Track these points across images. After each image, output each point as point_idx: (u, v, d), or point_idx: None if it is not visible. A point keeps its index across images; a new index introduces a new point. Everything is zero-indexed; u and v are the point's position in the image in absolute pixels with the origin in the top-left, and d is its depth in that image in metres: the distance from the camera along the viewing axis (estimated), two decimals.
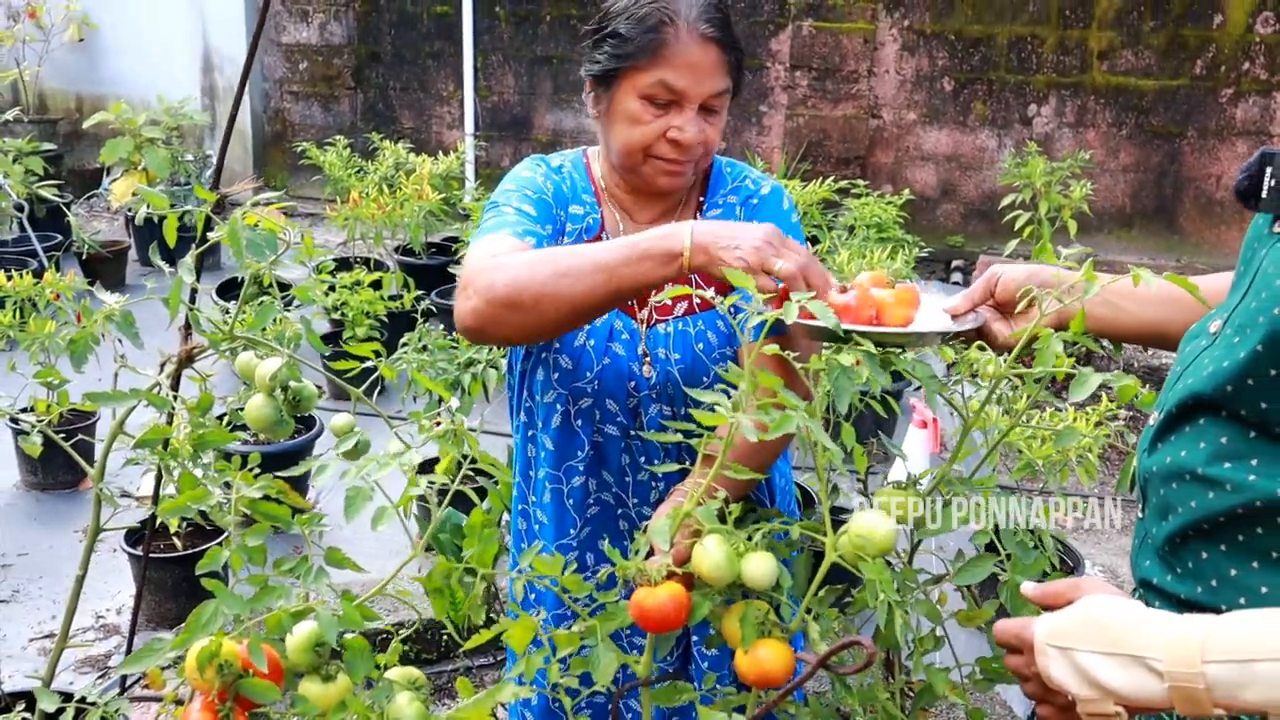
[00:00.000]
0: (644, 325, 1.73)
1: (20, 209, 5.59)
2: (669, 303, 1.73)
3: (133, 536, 3.32)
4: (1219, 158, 6.58)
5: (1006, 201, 5.08)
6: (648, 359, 1.71)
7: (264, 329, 1.74)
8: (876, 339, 1.36)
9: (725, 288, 1.71)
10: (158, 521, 2.31)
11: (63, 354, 3.78)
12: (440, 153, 6.36)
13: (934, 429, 4.13)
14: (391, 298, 4.54)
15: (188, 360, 1.86)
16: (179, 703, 1.40)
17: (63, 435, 4.03)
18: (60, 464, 4.06)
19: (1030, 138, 6.68)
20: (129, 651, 2.18)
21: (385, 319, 4.48)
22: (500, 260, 1.48)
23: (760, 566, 1.28)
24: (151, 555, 3.25)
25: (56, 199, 5.85)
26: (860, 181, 6.02)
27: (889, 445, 1.66)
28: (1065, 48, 6.65)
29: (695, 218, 1.74)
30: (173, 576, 3.24)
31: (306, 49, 7.80)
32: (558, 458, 1.77)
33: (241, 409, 1.86)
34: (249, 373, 1.89)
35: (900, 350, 1.42)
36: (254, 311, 1.73)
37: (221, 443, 1.74)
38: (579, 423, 1.75)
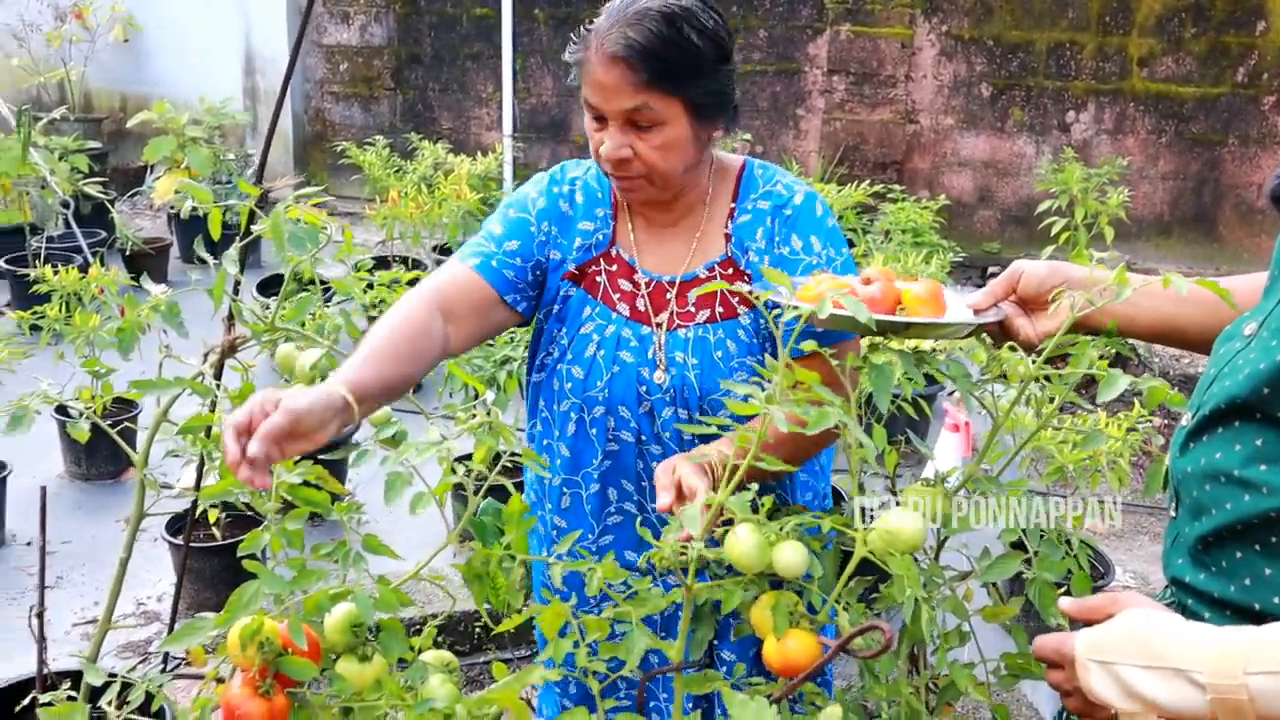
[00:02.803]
0: (662, 330, 1.76)
1: (66, 205, 5.70)
2: (692, 309, 1.75)
3: (173, 526, 3.38)
4: (1260, 166, 6.52)
5: (1043, 207, 5.07)
6: (662, 364, 1.74)
7: (304, 322, 1.78)
8: (902, 329, 1.39)
9: (746, 303, 1.74)
10: (199, 509, 2.36)
11: (108, 347, 3.87)
12: (479, 154, 6.41)
13: (966, 433, 4.13)
14: None
15: (230, 350, 1.91)
16: (219, 681, 1.44)
17: (107, 425, 4.11)
18: (103, 455, 4.14)
19: (1068, 144, 6.65)
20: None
21: None
22: (402, 300, 1.67)
23: (792, 555, 1.30)
24: (191, 544, 3.31)
25: (101, 196, 5.96)
26: (896, 186, 6.01)
27: (919, 444, 1.67)
28: (1105, 54, 6.62)
29: (727, 224, 1.77)
30: (212, 566, 3.30)
31: (347, 50, 7.89)
32: (573, 465, 1.81)
33: None
34: (288, 365, 1.93)
35: (925, 340, 1.44)
36: (294, 305, 1.77)
37: None
38: (594, 431, 1.79)
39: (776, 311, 1.37)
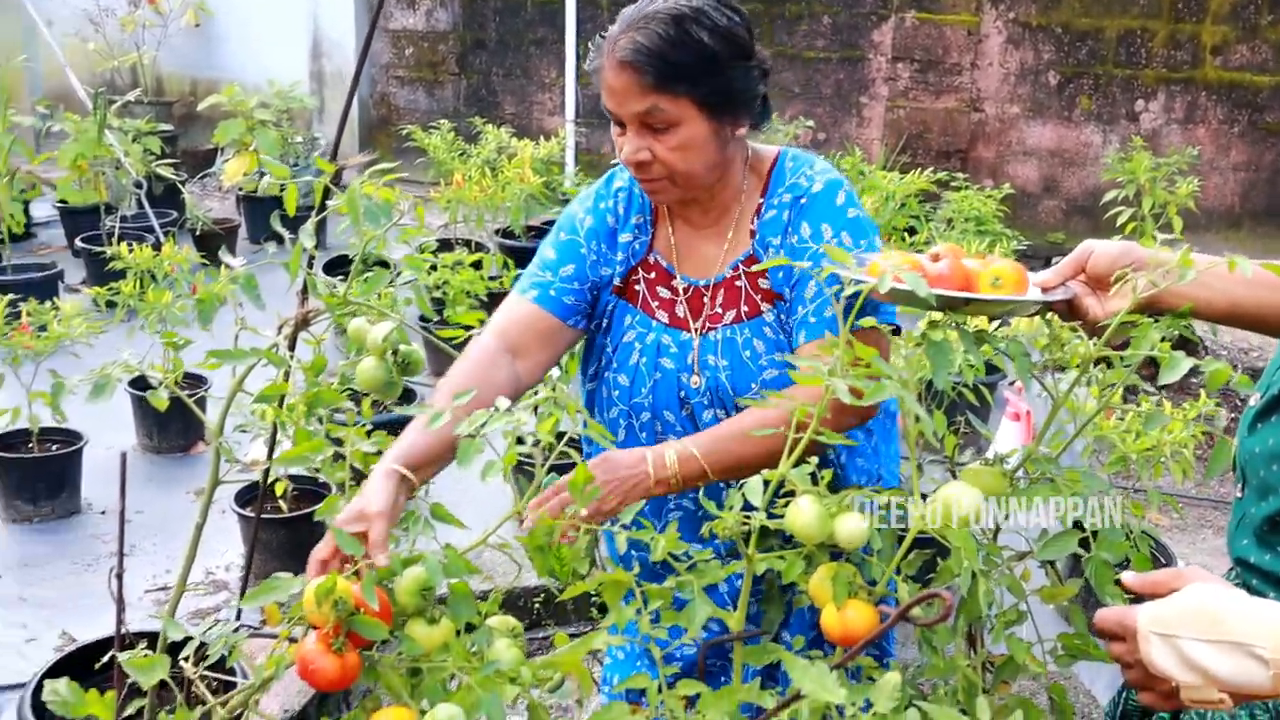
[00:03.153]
0: (697, 334, 1.79)
1: (139, 186, 5.83)
2: (719, 311, 1.78)
3: (242, 498, 3.47)
4: None
5: (1110, 196, 5.00)
6: (696, 369, 1.77)
7: (379, 295, 1.83)
8: (964, 305, 1.40)
9: (769, 299, 1.75)
10: (271, 477, 2.42)
11: (180, 323, 3.98)
12: (541, 138, 6.47)
13: (1028, 422, 4.10)
14: (491, 278, 4.64)
15: (304, 323, 1.96)
16: (292, 640, 1.50)
17: (176, 401, 4.22)
18: (175, 429, 4.25)
19: (1137, 134, 6.55)
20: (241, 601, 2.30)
21: (485, 299, 4.58)
22: (468, 347, 1.78)
23: (853, 526, 1.33)
24: (250, 515, 3.40)
25: (173, 177, 6.10)
26: (960, 175, 5.96)
27: (978, 424, 1.68)
28: (1176, 42, 6.51)
29: (753, 221, 1.77)
30: (279, 537, 3.38)
31: (412, 35, 7.98)
32: None
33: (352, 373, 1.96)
34: (359, 338, 1.99)
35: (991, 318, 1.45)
36: (366, 281, 1.82)
37: (335, 402, 1.84)
38: (643, 435, 1.83)
39: (837, 288, 1.39)
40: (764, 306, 1.77)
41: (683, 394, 1.79)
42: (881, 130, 7.09)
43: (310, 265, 1.97)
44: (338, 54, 8.05)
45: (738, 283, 1.77)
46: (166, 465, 4.22)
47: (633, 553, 1.98)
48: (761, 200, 1.76)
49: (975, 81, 6.90)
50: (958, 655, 1.46)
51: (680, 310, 1.81)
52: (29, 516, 3.72)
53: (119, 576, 2.17)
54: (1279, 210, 6.55)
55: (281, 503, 3.45)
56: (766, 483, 1.37)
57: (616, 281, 1.84)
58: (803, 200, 1.72)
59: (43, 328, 3.72)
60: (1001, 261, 1.47)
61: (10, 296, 3.82)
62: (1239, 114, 6.50)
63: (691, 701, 1.33)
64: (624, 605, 1.43)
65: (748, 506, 1.37)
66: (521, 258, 5.71)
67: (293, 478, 3.46)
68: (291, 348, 1.98)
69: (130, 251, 4.08)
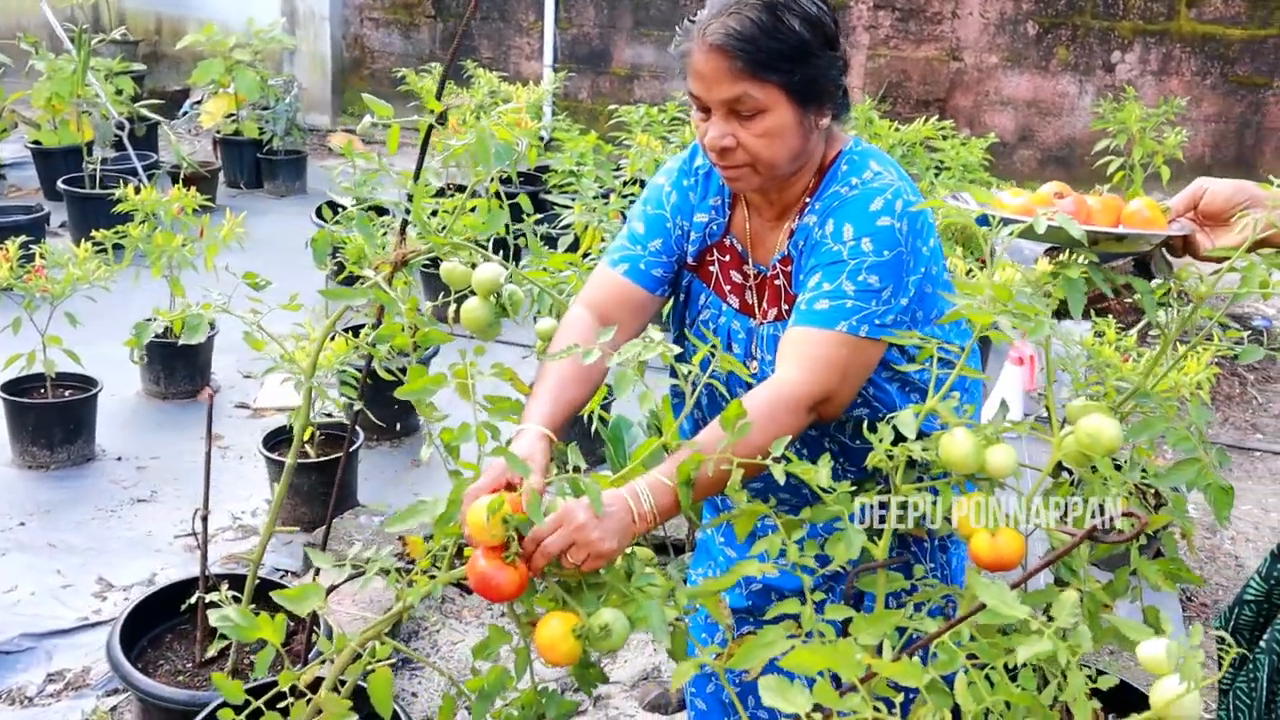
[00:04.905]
0: (759, 323, 1.81)
1: (121, 128, 5.71)
2: (765, 306, 1.80)
3: (269, 442, 3.47)
4: None
5: (1100, 146, 5.10)
6: (755, 357, 1.80)
7: (487, 236, 1.84)
8: (1107, 239, 1.46)
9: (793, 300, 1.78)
10: (364, 414, 2.43)
11: (188, 265, 3.92)
12: (519, 84, 6.41)
13: (1031, 366, 4.20)
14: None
15: (403, 262, 1.97)
16: (428, 574, 1.53)
17: (183, 347, 4.16)
18: (182, 375, 4.22)
19: (1112, 85, 6.67)
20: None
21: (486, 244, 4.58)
22: (564, 319, 1.81)
23: (1003, 456, 1.38)
24: (283, 460, 3.40)
25: (156, 118, 5.97)
26: (948, 123, 6.03)
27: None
28: None
29: (795, 219, 1.75)
30: (309, 481, 3.39)
31: None
32: None
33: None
34: (455, 279, 2.01)
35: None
36: (481, 216, 1.83)
37: (441, 341, 1.86)
38: (712, 402, 1.85)
39: (985, 229, 1.44)
40: (787, 310, 1.78)
41: (751, 380, 1.79)
42: (863, 79, 7.13)
43: (409, 205, 1.98)
44: None
45: (776, 281, 1.78)
46: (174, 412, 4.18)
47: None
48: (808, 200, 1.74)
49: (955, 30, 6.96)
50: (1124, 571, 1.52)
51: (749, 297, 1.82)
52: (45, 464, 3.68)
53: (204, 519, 2.19)
54: (1248, 160, 6.72)
55: (309, 448, 3.45)
56: (916, 414, 1.43)
57: (690, 260, 1.85)
58: (834, 203, 1.69)
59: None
60: (1140, 198, 1.53)
61: None
62: (1211, 66, 6.63)
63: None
64: (769, 534, 1.49)
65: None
66: (515, 205, 5.69)
67: (320, 425, 3.46)
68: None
69: (137, 193, 4.00)
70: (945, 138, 5.69)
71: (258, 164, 6.86)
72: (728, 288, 1.84)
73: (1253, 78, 6.59)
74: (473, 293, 1.96)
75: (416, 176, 1.93)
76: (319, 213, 5.57)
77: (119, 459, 3.81)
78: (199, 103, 7.28)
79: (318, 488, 3.39)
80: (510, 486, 1.48)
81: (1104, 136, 5.16)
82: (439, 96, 1.95)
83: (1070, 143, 6.95)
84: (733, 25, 1.59)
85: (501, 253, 2.12)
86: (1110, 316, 3.45)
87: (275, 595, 1.48)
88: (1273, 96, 6.58)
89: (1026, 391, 4.17)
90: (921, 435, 1.45)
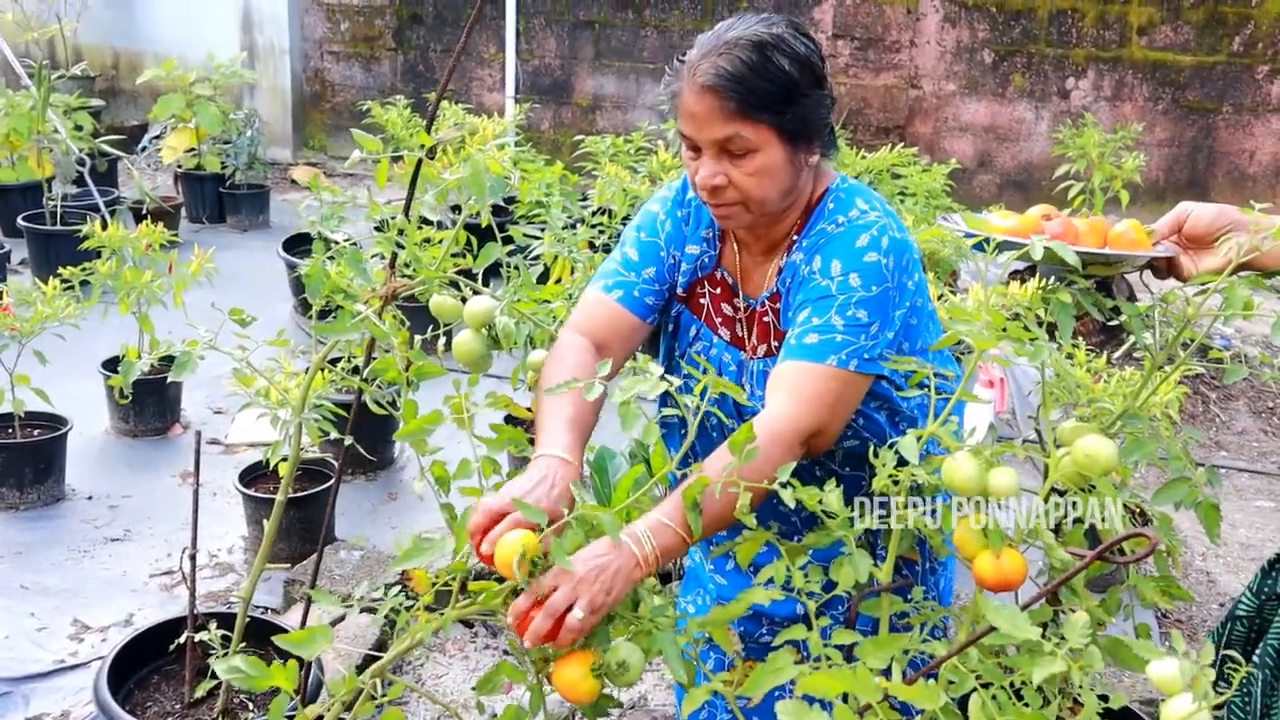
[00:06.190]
0: (750, 357, 1.82)
1: (82, 163, 5.66)
2: (755, 342, 1.82)
3: (245, 479, 3.44)
4: (1253, 133, 6.71)
5: (1061, 171, 5.20)
6: (746, 391, 1.80)
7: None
8: (1096, 262, 1.50)
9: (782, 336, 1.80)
10: (352, 448, 2.42)
11: (156, 302, 3.89)
12: (483, 116, 6.42)
13: (1001, 388, 4.26)
14: (453, 255, 4.62)
15: (392, 296, 1.97)
16: (430, 609, 1.53)
17: (152, 384, 4.09)
18: (151, 411, 4.17)
19: (1067, 111, 6.80)
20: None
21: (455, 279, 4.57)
22: (558, 344, 1.80)
23: (1006, 478, 1.41)
24: (261, 496, 3.37)
25: (119, 153, 5.93)
26: (910, 151, 6.12)
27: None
28: (1105, 22, 6.76)
29: (783, 256, 1.77)
30: (285, 518, 3.32)
31: (348, 9, 7.85)
32: None
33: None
34: (445, 313, 2.01)
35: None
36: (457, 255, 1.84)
37: (435, 375, 1.86)
38: (714, 435, 1.84)
39: (980, 254, 1.47)
40: (776, 345, 1.80)
41: (740, 410, 1.80)
42: None
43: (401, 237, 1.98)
44: (270, 26, 7.88)
45: (765, 317, 1.80)
46: (144, 449, 4.13)
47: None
48: (796, 238, 1.76)
49: (913, 59, 7.07)
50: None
51: (740, 330, 1.84)
52: (14, 504, 3.62)
53: (192, 557, 2.17)
54: (1201, 183, 6.86)
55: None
56: (918, 439, 1.45)
57: (680, 291, 1.86)
58: (821, 241, 1.71)
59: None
60: (1126, 221, 1.57)
61: None
62: (1163, 92, 6.78)
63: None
64: (775, 561, 1.50)
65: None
66: (482, 237, 5.70)
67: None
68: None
69: (104, 230, 3.96)
70: (910, 165, 5.77)
71: (220, 198, 6.81)
72: (719, 320, 1.85)
73: (1203, 103, 6.74)
74: (463, 325, 1.96)
75: (407, 211, 1.93)
76: (288, 245, 5.55)
77: (90, 498, 3.76)
78: (158, 137, 7.24)
79: (295, 524, 3.36)
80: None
81: (1063, 161, 5.26)
82: (429, 130, 1.95)
83: (1028, 167, 7.07)
84: (724, 66, 1.60)
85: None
86: (1079, 338, 3.51)
87: (280, 640, 1.46)
88: (1222, 121, 6.74)
89: (997, 414, 4.22)
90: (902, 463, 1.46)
